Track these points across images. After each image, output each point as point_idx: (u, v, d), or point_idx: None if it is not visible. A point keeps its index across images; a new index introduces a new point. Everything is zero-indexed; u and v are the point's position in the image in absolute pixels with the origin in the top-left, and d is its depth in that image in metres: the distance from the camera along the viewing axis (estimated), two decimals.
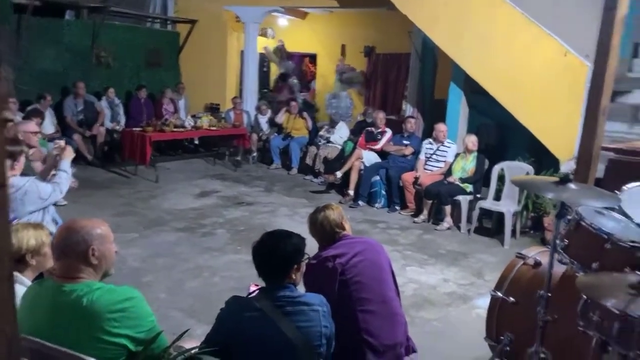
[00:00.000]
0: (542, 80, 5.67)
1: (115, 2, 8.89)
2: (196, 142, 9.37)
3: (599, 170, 3.98)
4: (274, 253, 2.09)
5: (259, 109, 9.37)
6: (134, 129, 7.73)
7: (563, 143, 5.45)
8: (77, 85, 7.98)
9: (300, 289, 2.28)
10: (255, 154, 9.05)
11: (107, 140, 8.23)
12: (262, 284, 2.16)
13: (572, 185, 2.14)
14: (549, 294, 2.23)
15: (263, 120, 9.25)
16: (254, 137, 8.98)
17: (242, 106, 9.29)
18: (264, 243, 2.13)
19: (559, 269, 2.48)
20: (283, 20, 11.67)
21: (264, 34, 11.40)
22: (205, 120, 8.42)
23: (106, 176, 7.56)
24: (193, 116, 8.75)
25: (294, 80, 10.19)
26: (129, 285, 1.86)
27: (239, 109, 9.14)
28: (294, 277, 2.12)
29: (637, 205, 2.41)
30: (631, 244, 2.18)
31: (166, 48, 10.06)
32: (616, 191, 2.54)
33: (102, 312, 1.72)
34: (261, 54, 10.58)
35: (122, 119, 8.61)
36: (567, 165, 5.03)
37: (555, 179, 2.18)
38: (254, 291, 2.24)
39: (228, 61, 10.18)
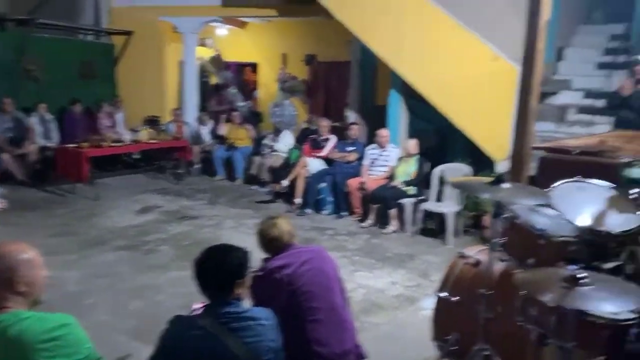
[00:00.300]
0: (475, 85, 5.89)
1: (44, 14, 8.50)
2: (136, 156, 9.06)
3: (532, 168, 4.17)
4: (216, 269, 2.03)
5: (200, 120, 9.21)
6: (69, 145, 7.40)
7: (497, 144, 5.68)
8: (4, 101, 7.58)
9: (247, 303, 2.24)
10: (197, 166, 8.86)
11: (39, 159, 7.83)
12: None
13: (505, 185, 2.22)
14: (490, 292, 2.30)
15: (205, 131, 9.09)
16: (196, 148, 8.80)
17: (182, 118, 9.10)
18: (205, 259, 2.07)
19: (498, 267, 2.56)
20: (222, 30, 11.53)
21: (203, 44, 11.22)
22: (145, 134, 8.19)
23: (39, 196, 7.18)
24: (132, 130, 8.47)
25: (232, 90, 10.07)
26: (65, 312, 1.76)
27: (180, 121, 8.95)
28: (238, 292, 2.06)
29: (566, 201, 2.53)
30: (562, 238, 2.28)
31: (101, 60, 9.71)
32: (547, 189, 2.65)
33: (32, 342, 1.62)
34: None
35: (56, 135, 8.22)
36: (503, 165, 5.23)
37: (490, 179, 2.25)
38: (197, 309, 2.17)
39: (167, 72, 9.95)
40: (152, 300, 4.13)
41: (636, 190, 2.64)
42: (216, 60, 10.31)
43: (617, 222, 2.46)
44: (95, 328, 3.73)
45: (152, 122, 9.32)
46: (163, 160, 8.78)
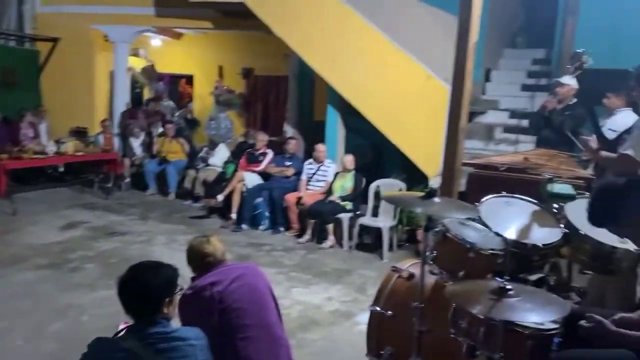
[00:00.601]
0: (408, 102, 6.06)
1: None
2: (61, 169, 8.59)
3: (462, 184, 4.32)
4: (141, 287, 1.92)
5: (131, 132, 8.87)
6: None
7: (430, 160, 5.85)
8: None
9: (176, 322, 2.14)
10: (128, 179, 8.52)
11: None
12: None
13: (436, 200, 2.27)
14: (422, 305, 2.32)
15: (136, 144, 8.77)
16: (127, 161, 8.47)
17: (112, 129, 8.74)
18: (129, 277, 1.96)
19: (430, 280, 2.60)
20: (156, 41, 11.26)
21: (135, 54, 10.89)
22: (71, 146, 7.78)
23: None
24: (57, 141, 8.02)
25: (165, 102, 9.79)
26: None
27: (109, 133, 8.58)
28: (166, 311, 1.96)
29: (494, 216, 2.62)
30: (491, 251, 2.36)
31: (23, 67, 9.17)
32: (476, 203, 2.74)
33: None
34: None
35: None
36: (436, 181, 5.39)
37: (422, 194, 2.30)
38: (122, 330, 2.05)
39: (96, 82, 9.56)
40: (75, 322, 3.88)
41: (557, 205, 2.78)
42: (148, 71, 10.00)
43: (541, 236, 2.58)
44: (9, 354, 3.47)
45: (80, 133, 8.90)
46: (91, 173, 8.37)
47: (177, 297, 2.07)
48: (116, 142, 8.66)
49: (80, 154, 7.81)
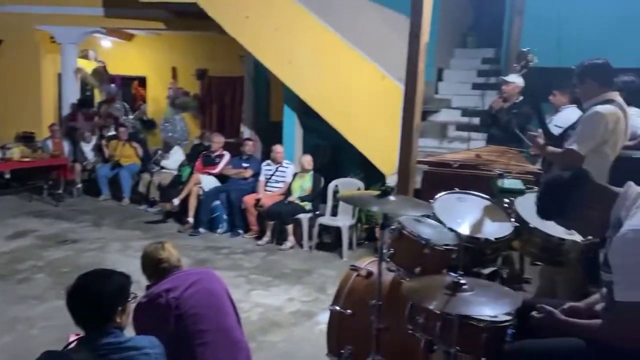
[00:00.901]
0: (364, 102, 6.12)
1: None
2: (7, 176, 8.20)
3: (417, 182, 4.39)
4: (92, 296, 1.85)
5: (82, 136, 8.58)
6: None
7: (387, 159, 5.92)
8: None
9: (130, 332, 2.08)
10: (79, 185, 8.24)
11: None
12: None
13: (392, 198, 2.29)
14: (380, 303, 2.34)
15: (87, 149, 8.49)
16: (78, 167, 8.19)
17: (61, 134, 8.42)
18: (79, 286, 1.89)
19: (388, 277, 2.63)
20: (106, 42, 10.94)
21: (85, 56, 10.55)
22: (17, 151, 7.45)
23: None
24: (2, 147, 7.67)
25: (117, 105, 9.51)
26: None
27: (58, 137, 8.27)
28: (119, 320, 1.90)
29: (448, 212, 2.68)
30: (445, 247, 2.40)
31: None
32: (431, 200, 2.79)
33: None
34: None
35: None
36: (392, 179, 5.46)
37: (378, 192, 2.32)
38: (72, 342, 1.97)
39: (43, 85, 9.21)
40: (24, 335, 3.72)
41: (508, 199, 2.87)
42: (99, 73, 9.65)
43: (493, 230, 2.65)
44: None
45: (26, 138, 8.54)
46: (39, 180, 8.04)
47: (131, 306, 2.01)
48: (66, 146, 8.34)
49: (28, 159, 7.50)
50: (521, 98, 5.08)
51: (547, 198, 2.06)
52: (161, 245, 2.51)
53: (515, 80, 5.11)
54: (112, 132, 8.70)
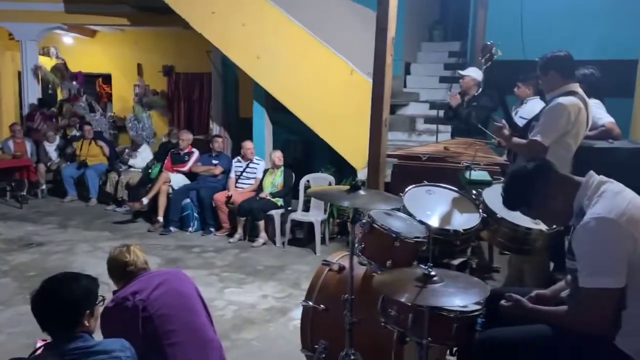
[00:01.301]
0: (334, 97, 6.12)
1: None
2: None
3: (387, 175, 4.43)
4: (57, 301, 1.81)
5: (45, 136, 8.34)
6: None
7: (357, 153, 5.94)
8: None
9: (98, 336, 2.03)
10: (44, 186, 8.02)
11: None
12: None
13: (362, 192, 2.30)
14: (353, 297, 2.36)
15: (51, 149, 8.27)
16: (42, 167, 7.96)
17: (23, 134, 8.16)
18: (44, 291, 1.84)
19: (360, 271, 2.65)
20: (68, 39, 10.66)
21: (46, 53, 10.26)
22: None
23: None
24: None
25: (81, 103, 9.28)
26: None
27: (19, 137, 8.01)
28: (87, 324, 1.86)
29: (417, 204, 2.71)
30: (415, 239, 2.43)
31: None
32: (400, 193, 2.82)
33: None
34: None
35: None
36: (363, 173, 5.49)
37: (347, 187, 2.32)
38: (39, 348, 1.92)
39: (2, 84, 8.91)
40: None
41: (475, 191, 2.92)
42: (58, 70, 9.35)
43: (462, 221, 2.69)
44: None
45: None
46: (1, 182, 7.79)
47: (99, 309, 1.97)
48: (29, 147, 8.09)
49: None
50: (480, 90, 5.18)
51: (512, 189, 2.11)
52: (126, 248, 2.46)
53: (471, 73, 5.21)
54: (75, 132, 8.51)
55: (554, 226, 2.53)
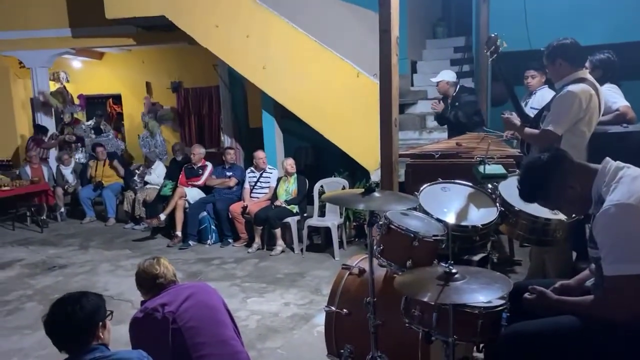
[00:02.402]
0: (341, 101, 6.14)
1: None
2: None
3: (401, 174, 4.42)
4: (72, 319, 1.87)
5: (60, 160, 8.47)
6: None
7: (369, 155, 5.95)
8: None
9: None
10: (63, 209, 8.14)
11: None
12: None
13: (376, 194, 2.30)
14: (375, 299, 2.35)
15: (67, 172, 8.39)
16: (59, 191, 8.08)
17: (39, 159, 8.30)
18: (55, 313, 1.91)
19: (380, 273, 2.64)
20: (77, 63, 10.83)
21: (56, 78, 10.42)
22: None
23: None
24: None
25: (83, 126, 9.33)
26: None
27: (36, 163, 8.14)
28: (102, 336, 1.93)
29: (432, 202, 2.70)
30: (434, 237, 2.42)
31: None
32: (415, 192, 2.81)
33: None
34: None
35: None
36: (377, 174, 5.49)
37: (362, 190, 2.33)
38: None
39: (16, 111, 9.07)
40: None
41: (491, 185, 2.90)
42: (60, 94, 9.34)
43: (479, 216, 2.68)
44: None
45: (3, 166, 8.42)
46: (21, 207, 7.92)
47: (109, 322, 2.02)
48: (45, 171, 8.22)
49: (6, 188, 7.36)
50: (458, 88, 5.35)
51: (528, 181, 2.09)
52: (156, 260, 2.50)
53: (444, 77, 5.40)
54: (79, 155, 8.63)
55: (574, 215, 2.50)
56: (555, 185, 2.00)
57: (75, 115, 9.54)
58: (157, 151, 8.47)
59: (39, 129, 9.02)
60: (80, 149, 8.99)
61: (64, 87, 9.52)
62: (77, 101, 9.82)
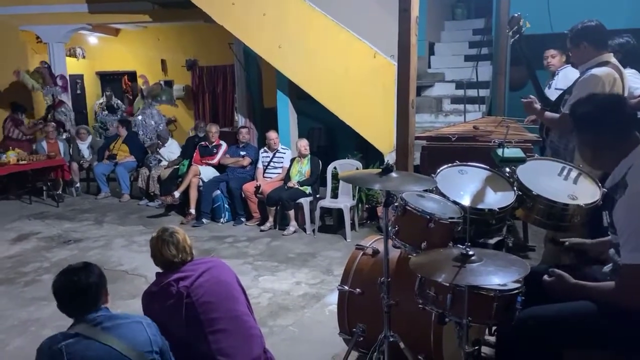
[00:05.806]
0: (357, 81, 6.07)
1: None
2: (4, 180, 8.18)
3: (416, 157, 4.39)
4: (82, 288, 1.98)
5: (77, 134, 8.54)
6: None
7: (384, 137, 5.91)
8: None
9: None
10: (78, 184, 8.23)
11: None
12: None
13: (393, 175, 2.29)
14: (389, 279, 2.36)
15: (84, 147, 8.46)
16: (75, 166, 8.16)
17: (56, 134, 8.37)
18: (66, 282, 2.01)
19: (395, 254, 2.64)
20: (93, 39, 10.85)
21: (72, 54, 10.46)
22: (12, 155, 7.40)
23: None
24: None
25: (63, 109, 8.82)
26: None
27: (53, 138, 8.22)
28: (104, 301, 2.07)
29: (450, 185, 2.68)
30: (450, 220, 2.41)
31: None
32: (432, 174, 2.79)
33: None
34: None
35: None
36: (391, 157, 5.46)
37: (378, 170, 2.31)
38: None
39: None
40: (37, 336, 3.70)
41: (509, 169, 2.87)
42: (39, 74, 8.68)
43: (496, 200, 2.65)
44: None
45: None
46: (38, 182, 8.02)
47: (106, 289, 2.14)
48: (61, 146, 8.29)
49: (24, 162, 7.45)
50: None
51: (587, 109, 2.06)
52: (171, 231, 2.48)
53: None
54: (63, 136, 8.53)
55: (590, 202, 2.48)
56: (605, 127, 1.98)
57: (57, 97, 8.92)
58: (153, 137, 8.22)
59: (17, 108, 8.59)
60: (63, 134, 8.65)
61: (48, 66, 8.89)
62: (60, 82, 8.92)
